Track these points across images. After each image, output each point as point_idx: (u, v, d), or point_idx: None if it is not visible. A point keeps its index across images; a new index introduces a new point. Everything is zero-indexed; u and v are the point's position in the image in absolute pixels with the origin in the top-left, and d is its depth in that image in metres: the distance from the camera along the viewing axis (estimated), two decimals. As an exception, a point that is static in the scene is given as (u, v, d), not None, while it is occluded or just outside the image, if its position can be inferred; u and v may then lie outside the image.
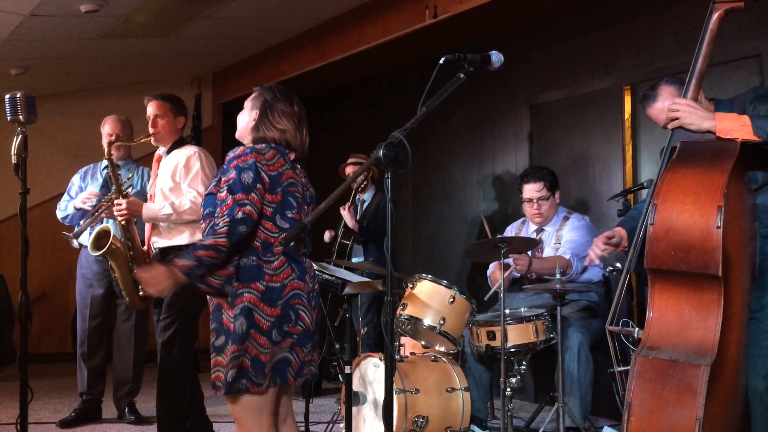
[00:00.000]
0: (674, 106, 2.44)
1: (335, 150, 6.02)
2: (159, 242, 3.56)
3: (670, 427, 2.13)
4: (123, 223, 3.57)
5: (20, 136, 3.12)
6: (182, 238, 3.50)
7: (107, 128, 4.26)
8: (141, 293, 3.59)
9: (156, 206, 3.48)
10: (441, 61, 2.08)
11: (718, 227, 2.13)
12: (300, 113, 2.50)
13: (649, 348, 2.23)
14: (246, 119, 2.52)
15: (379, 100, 6.24)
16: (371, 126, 6.24)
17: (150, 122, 3.64)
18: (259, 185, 2.31)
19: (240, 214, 2.26)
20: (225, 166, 2.37)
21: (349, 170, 5.07)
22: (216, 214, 2.31)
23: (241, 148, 2.40)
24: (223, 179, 2.35)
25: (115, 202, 3.57)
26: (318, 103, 7.01)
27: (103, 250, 3.51)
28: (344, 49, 5.57)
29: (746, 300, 2.33)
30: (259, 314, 2.29)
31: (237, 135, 2.57)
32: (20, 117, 3.15)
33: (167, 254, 3.49)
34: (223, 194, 2.32)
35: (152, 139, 3.66)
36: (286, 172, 2.41)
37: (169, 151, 3.64)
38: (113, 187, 3.67)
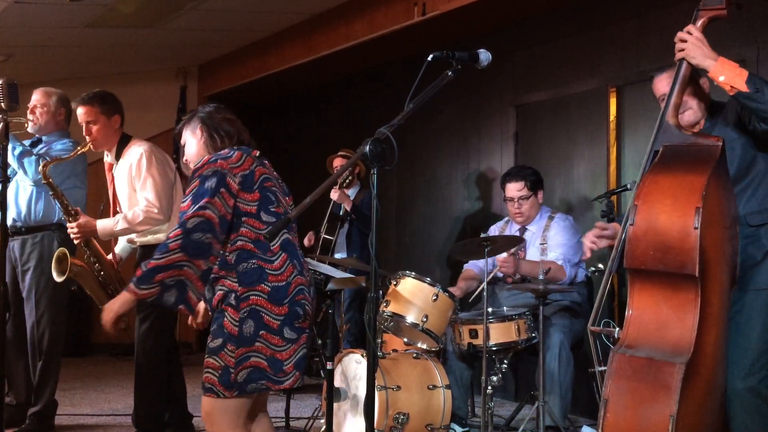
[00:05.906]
0: (684, 36, 2.37)
1: (320, 145, 6.01)
2: (139, 240, 3.51)
3: (645, 422, 2.16)
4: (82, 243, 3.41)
5: (1, 123, 3.09)
6: (161, 236, 3.43)
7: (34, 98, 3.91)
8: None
9: (110, 223, 3.38)
10: (429, 58, 2.09)
11: (696, 228, 2.16)
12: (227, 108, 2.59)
13: (627, 346, 2.25)
14: (194, 142, 2.51)
15: (366, 97, 6.23)
16: (357, 122, 6.23)
17: (84, 129, 3.50)
18: (222, 189, 2.30)
19: (194, 221, 2.24)
20: (190, 177, 2.38)
21: (338, 162, 5.06)
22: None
23: (207, 157, 2.41)
24: (186, 190, 2.35)
25: (68, 226, 3.43)
26: (304, 98, 6.98)
27: (66, 275, 3.34)
28: (331, 44, 5.57)
29: (725, 301, 2.35)
30: (268, 315, 2.30)
31: (192, 161, 2.50)
32: (2, 104, 3.12)
33: (150, 253, 3.42)
34: (185, 204, 2.31)
35: (91, 146, 3.50)
36: (258, 169, 2.42)
37: (117, 156, 3.52)
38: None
